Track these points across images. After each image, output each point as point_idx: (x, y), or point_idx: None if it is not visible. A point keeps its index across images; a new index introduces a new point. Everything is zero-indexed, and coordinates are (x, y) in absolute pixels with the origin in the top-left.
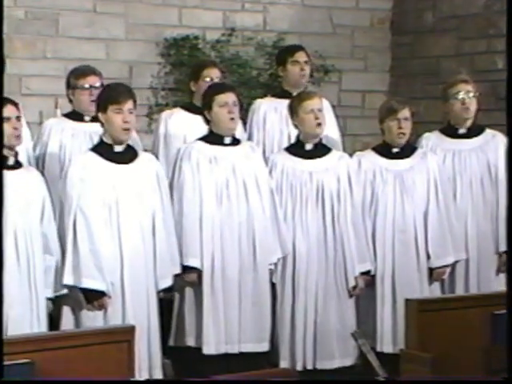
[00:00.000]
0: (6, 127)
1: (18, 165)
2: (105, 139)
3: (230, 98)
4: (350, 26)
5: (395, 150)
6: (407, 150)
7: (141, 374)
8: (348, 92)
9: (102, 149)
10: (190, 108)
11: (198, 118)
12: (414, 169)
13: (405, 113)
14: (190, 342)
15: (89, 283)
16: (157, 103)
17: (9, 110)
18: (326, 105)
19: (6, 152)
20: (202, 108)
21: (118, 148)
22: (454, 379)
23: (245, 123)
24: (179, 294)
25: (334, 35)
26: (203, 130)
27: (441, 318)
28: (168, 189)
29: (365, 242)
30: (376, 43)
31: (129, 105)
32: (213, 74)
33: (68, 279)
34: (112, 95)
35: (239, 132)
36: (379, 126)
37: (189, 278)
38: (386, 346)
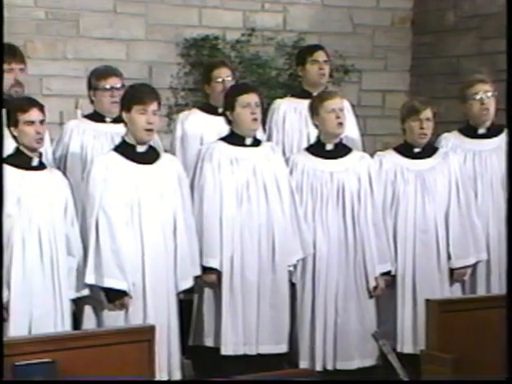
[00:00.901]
0: (30, 130)
1: (41, 166)
2: (127, 139)
3: (252, 98)
4: (370, 25)
5: (416, 149)
6: (428, 150)
7: (161, 373)
8: (368, 92)
9: (125, 149)
10: (207, 108)
11: (215, 119)
12: (436, 169)
13: (427, 113)
14: (209, 342)
15: (110, 283)
16: (176, 103)
17: (34, 114)
18: (346, 105)
19: (28, 153)
20: (221, 109)
21: (141, 148)
22: (465, 379)
23: (264, 123)
24: (198, 295)
25: (354, 35)
26: (220, 130)
27: (462, 318)
28: (189, 190)
29: (386, 243)
30: (396, 43)
31: (153, 106)
32: (223, 74)
33: (90, 278)
34: (137, 95)
35: (259, 132)
36: (401, 126)
37: (208, 278)
38: (407, 346)
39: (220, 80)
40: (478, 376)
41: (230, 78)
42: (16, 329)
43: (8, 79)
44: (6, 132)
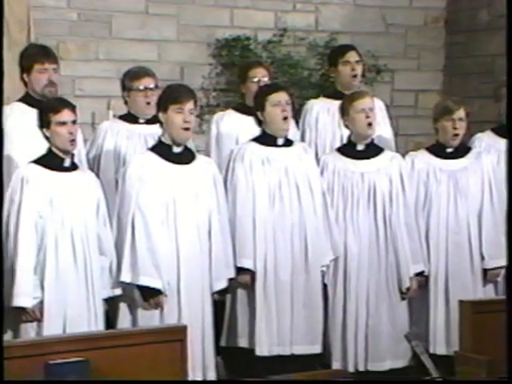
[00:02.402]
0: (62, 131)
1: (73, 167)
2: (163, 140)
3: (282, 97)
4: (403, 25)
5: (449, 149)
6: (461, 150)
7: (195, 373)
8: (401, 92)
9: (161, 149)
10: (242, 109)
11: (250, 119)
12: (468, 169)
13: (460, 113)
14: (243, 343)
15: (146, 281)
16: (208, 104)
17: (66, 114)
18: (379, 104)
19: (61, 154)
20: (254, 109)
21: (177, 149)
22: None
23: (297, 123)
24: (231, 295)
25: (387, 34)
26: (255, 130)
27: (495, 319)
28: (224, 192)
29: (418, 243)
30: (429, 42)
31: (190, 105)
32: (259, 74)
33: (126, 276)
34: (173, 95)
35: (292, 131)
36: (433, 126)
37: (242, 279)
38: (440, 347)
39: (256, 80)
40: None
41: (266, 79)
42: (50, 329)
43: (42, 79)
44: (39, 132)
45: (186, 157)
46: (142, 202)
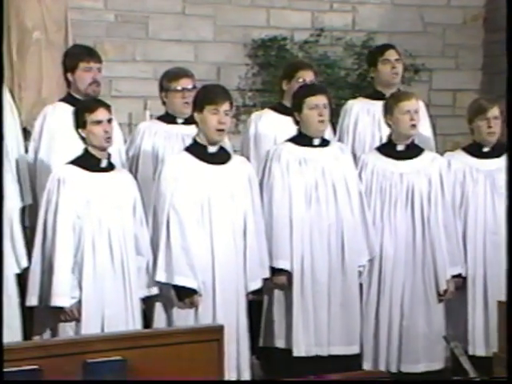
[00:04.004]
0: (98, 130)
1: (110, 167)
2: (199, 140)
3: (320, 100)
4: (441, 24)
5: (486, 149)
6: (498, 149)
7: (230, 373)
8: (438, 91)
9: (196, 149)
10: (280, 109)
11: (288, 119)
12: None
13: (494, 111)
14: (280, 343)
15: (181, 281)
16: (244, 104)
17: (101, 113)
18: (420, 105)
19: (97, 154)
20: (291, 109)
21: (212, 149)
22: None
23: (332, 123)
24: (268, 296)
25: (425, 34)
26: (293, 130)
27: None
28: (259, 192)
29: (456, 245)
30: (468, 41)
31: (225, 106)
32: (306, 76)
33: (161, 276)
34: (209, 96)
35: (327, 135)
36: (468, 126)
37: (278, 280)
38: (479, 349)
39: (301, 81)
40: None
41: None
42: (88, 328)
43: (86, 78)
44: (74, 134)
45: (221, 157)
46: (177, 201)
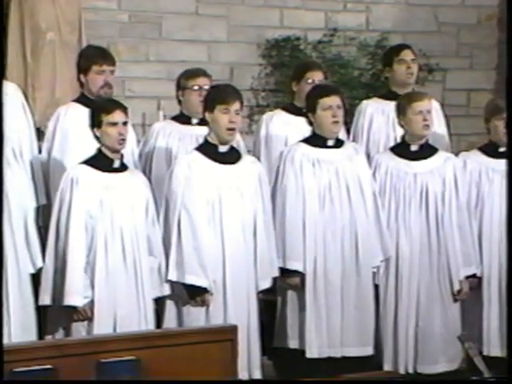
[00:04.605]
0: (113, 131)
1: (123, 167)
2: (209, 139)
3: (334, 101)
4: (455, 23)
5: (502, 149)
6: None
7: (240, 372)
8: (453, 91)
9: (207, 149)
10: (291, 109)
11: (299, 119)
12: None
13: None
14: (293, 344)
15: (192, 279)
16: (257, 104)
17: (117, 115)
18: (434, 105)
19: (110, 154)
20: (304, 109)
21: (223, 148)
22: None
23: (346, 123)
24: (281, 297)
25: (439, 33)
26: (304, 131)
27: None
28: (269, 192)
29: (471, 245)
30: (482, 40)
31: (236, 105)
32: (316, 77)
33: (172, 275)
34: (220, 95)
35: (341, 134)
36: (485, 126)
37: (292, 281)
38: (494, 349)
39: (311, 81)
40: None
41: (320, 83)
42: (101, 328)
43: (98, 81)
44: (87, 134)
45: (231, 156)
46: (188, 201)
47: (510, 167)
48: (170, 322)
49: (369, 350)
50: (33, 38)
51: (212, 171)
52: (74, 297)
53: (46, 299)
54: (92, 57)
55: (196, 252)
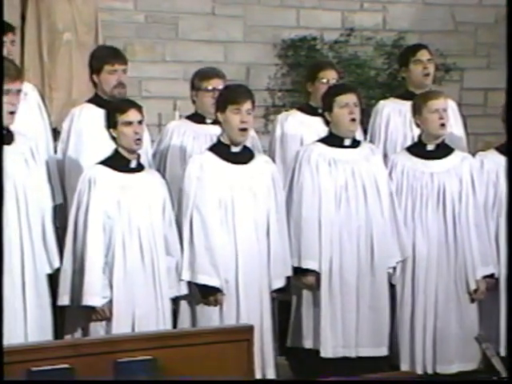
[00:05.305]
0: (128, 131)
1: (140, 167)
2: (222, 139)
3: (350, 99)
4: (472, 23)
5: None
6: None
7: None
8: (470, 90)
9: (220, 149)
10: (307, 109)
11: (315, 119)
12: None
13: None
14: (308, 344)
15: (204, 279)
16: (274, 104)
17: (132, 114)
18: (451, 104)
19: (127, 155)
20: (321, 109)
21: (235, 148)
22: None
23: (362, 123)
24: (296, 296)
25: (456, 33)
26: (319, 131)
27: None
28: (282, 191)
29: (488, 245)
30: (500, 40)
31: (247, 105)
32: (329, 76)
33: (185, 275)
34: (231, 95)
35: (358, 134)
36: (503, 126)
37: (307, 280)
38: None
39: (325, 81)
40: None
41: (335, 81)
42: (119, 328)
43: (111, 80)
44: (101, 135)
45: (244, 156)
46: (200, 201)
47: (510, 167)
48: (183, 322)
49: (383, 351)
50: (49, 39)
51: (224, 171)
52: (93, 297)
53: (65, 299)
54: (104, 57)
55: (208, 252)
